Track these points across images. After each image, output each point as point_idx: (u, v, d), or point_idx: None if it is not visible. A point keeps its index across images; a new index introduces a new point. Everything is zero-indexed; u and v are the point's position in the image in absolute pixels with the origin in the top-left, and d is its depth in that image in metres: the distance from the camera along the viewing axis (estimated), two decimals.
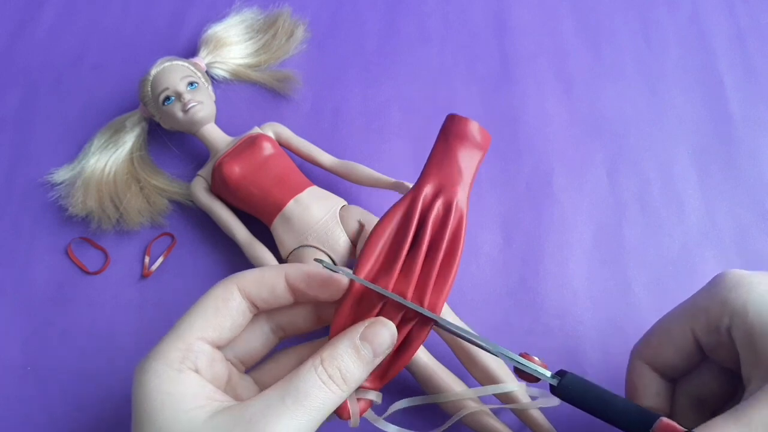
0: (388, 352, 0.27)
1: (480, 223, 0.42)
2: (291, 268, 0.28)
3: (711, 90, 0.47)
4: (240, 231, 0.39)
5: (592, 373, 0.38)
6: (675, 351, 0.30)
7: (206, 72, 0.45)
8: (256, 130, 0.42)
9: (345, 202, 0.39)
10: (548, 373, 0.28)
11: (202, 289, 0.40)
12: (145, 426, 0.24)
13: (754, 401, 0.25)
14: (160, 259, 0.41)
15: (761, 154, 0.44)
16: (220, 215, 0.40)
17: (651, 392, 0.31)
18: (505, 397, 0.34)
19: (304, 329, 0.30)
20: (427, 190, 0.30)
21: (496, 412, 0.35)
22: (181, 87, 0.41)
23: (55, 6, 0.51)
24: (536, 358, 0.29)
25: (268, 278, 0.28)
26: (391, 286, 0.28)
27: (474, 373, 0.35)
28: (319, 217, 0.38)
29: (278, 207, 0.38)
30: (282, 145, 0.42)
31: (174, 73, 0.41)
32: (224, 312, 0.27)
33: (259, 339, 0.29)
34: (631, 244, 0.41)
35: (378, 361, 0.26)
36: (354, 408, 0.27)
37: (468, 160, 0.30)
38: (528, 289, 0.40)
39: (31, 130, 0.46)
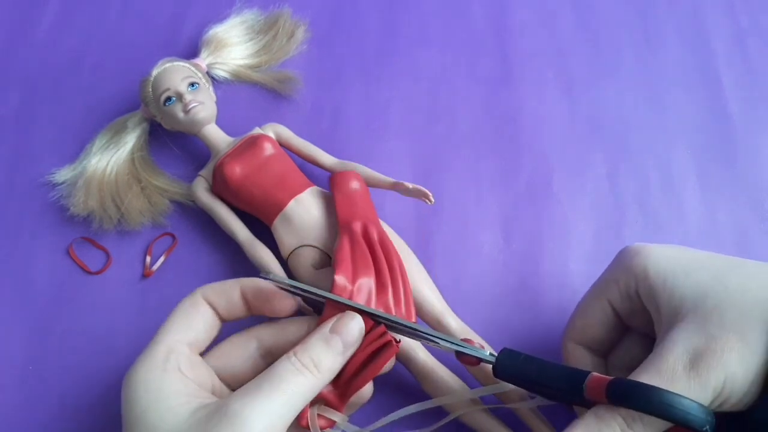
0: (357, 343, 0.29)
1: (480, 223, 0.42)
2: (246, 281, 0.31)
3: (711, 90, 0.47)
4: (241, 231, 0.39)
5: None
6: (598, 326, 0.32)
7: (207, 73, 0.45)
8: (257, 130, 0.42)
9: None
10: (486, 352, 0.30)
11: None
12: (134, 428, 0.26)
13: (659, 350, 0.27)
14: (162, 259, 0.41)
15: (761, 154, 0.45)
16: (221, 215, 0.40)
17: (583, 360, 0.33)
18: (506, 397, 0.34)
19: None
20: (357, 225, 0.36)
21: (494, 411, 0.35)
22: (182, 87, 0.41)
23: (55, 6, 0.51)
24: (476, 342, 0.32)
25: (227, 289, 0.31)
26: (372, 300, 0.33)
27: (474, 373, 0.35)
28: (320, 217, 0.38)
29: (279, 207, 0.38)
30: (282, 145, 0.42)
31: (175, 74, 0.41)
32: (195, 316, 0.30)
33: (246, 359, 0.31)
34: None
35: (349, 352, 0.29)
36: (313, 418, 0.30)
37: (362, 197, 0.38)
38: (528, 289, 0.40)
39: (32, 130, 0.46)
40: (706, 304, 0.27)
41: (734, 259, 0.30)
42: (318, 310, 0.35)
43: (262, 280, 0.31)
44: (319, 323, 0.30)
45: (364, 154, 0.44)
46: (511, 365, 0.30)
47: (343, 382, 0.30)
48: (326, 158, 0.42)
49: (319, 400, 0.30)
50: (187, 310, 0.30)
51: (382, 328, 0.29)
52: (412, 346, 0.35)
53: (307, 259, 0.37)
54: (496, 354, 0.30)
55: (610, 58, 0.49)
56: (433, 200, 0.38)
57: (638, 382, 0.26)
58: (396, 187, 0.39)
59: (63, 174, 0.43)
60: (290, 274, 0.38)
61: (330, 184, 0.39)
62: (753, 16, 0.50)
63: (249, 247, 0.39)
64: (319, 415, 0.30)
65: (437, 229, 0.42)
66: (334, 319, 0.29)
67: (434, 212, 0.42)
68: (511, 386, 0.33)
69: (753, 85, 0.47)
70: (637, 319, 0.32)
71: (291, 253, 0.38)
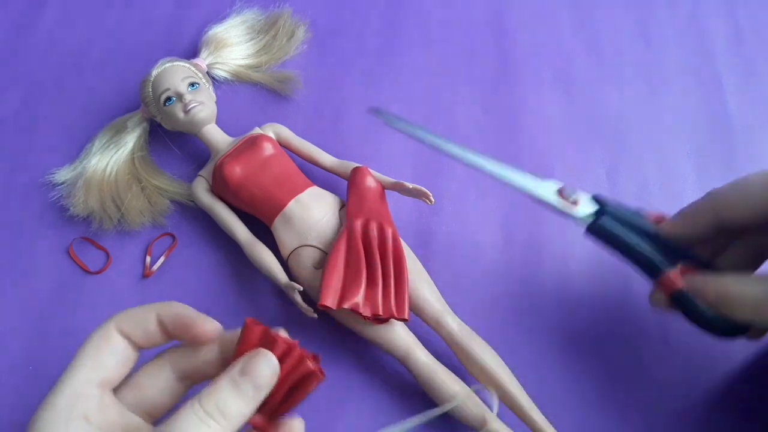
0: (269, 385, 0.26)
1: (480, 223, 0.42)
2: (163, 307, 0.28)
3: (710, 90, 0.47)
4: (241, 231, 0.39)
5: (592, 373, 0.38)
6: (746, 207, 0.31)
7: (207, 73, 0.45)
8: (257, 130, 0.42)
9: (345, 203, 0.39)
10: (587, 211, 0.33)
11: (203, 289, 0.40)
12: None
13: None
14: (162, 259, 0.41)
15: (760, 155, 0.45)
16: (221, 215, 0.40)
17: (698, 230, 0.32)
18: (506, 398, 0.34)
19: (211, 375, 0.28)
20: (358, 223, 0.37)
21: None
22: (182, 88, 0.41)
23: (56, 6, 0.51)
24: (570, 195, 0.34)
25: (142, 317, 0.28)
26: (360, 294, 0.34)
27: (474, 373, 0.35)
28: (320, 217, 0.38)
29: (279, 207, 0.38)
30: (282, 145, 0.42)
31: (175, 74, 0.41)
32: (106, 351, 0.27)
33: (163, 388, 0.28)
34: None
35: (261, 395, 0.25)
36: None
37: (375, 194, 0.39)
38: (528, 289, 0.40)
39: (33, 131, 0.46)
40: None
41: None
42: (315, 309, 0.36)
43: (179, 304, 0.28)
44: (235, 355, 0.26)
45: (364, 154, 0.44)
46: (609, 225, 0.33)
47: (270, 408, 0.27)
48: (326, 158, 0.42)
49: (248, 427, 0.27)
50: (97, 345, 0.27)
51: (298, 353, 0.26)
52: (412, 347, 0.35)
53: (307, 259, 0.37)
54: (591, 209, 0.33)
55: (609, 58, 0.49)
56: (433, 200, 0.38)
57: (693, 306, 0.30)
58: (396, 187, 0.39)
59: (63, 174, 0.43)
60: (290, 274, 0.38)
61: (349, 177, 0.40)
62: (753, 16, 0.50)
63: (249, 248, 0.39)
64: None
65: (437, 229, 0.42)
66: (244, 358, 0.26)
67: (434, 212, 0.42)
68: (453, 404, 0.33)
69: (753, 85, 0.47)
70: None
71: (291, 253, 0.38)
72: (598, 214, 0.33)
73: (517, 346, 0.38)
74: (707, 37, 0.49)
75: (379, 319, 0.35)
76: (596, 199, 0.34)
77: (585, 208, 0.34)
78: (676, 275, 0.32)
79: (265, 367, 0.25)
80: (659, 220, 0.33)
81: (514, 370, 0.35)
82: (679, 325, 0.39)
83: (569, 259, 0.41)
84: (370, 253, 0.36)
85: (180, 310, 0.27)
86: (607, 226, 0.33)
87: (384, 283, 0.35)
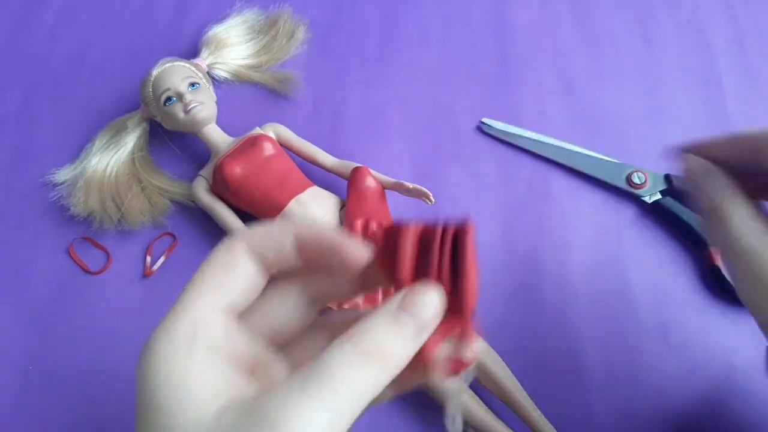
0: (433, 325, 0.22)
1: (480, 223, 0.42)
2: (302, 228, 0.24)
3: (710, 90, 0.47)
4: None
5: (592, 373, 0.38)
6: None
7: (207, 73, 0.45)
8: (257, 130, 0.42)
9: (345, 202, 0.39)
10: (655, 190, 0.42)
11: None
12: (148, 418, 0.20)
13: None
14: (162, 259, 0.41)
15: None
16: (221, 215, 0.40)
17: (739, 158, 0.29)
18: (505, 397, 0.34)
19: (347, 297, 0.25)
20: (358, 223, 0.37)
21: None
22: (183, 88, 0.41)
23: (56, 6, 0.51)
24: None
25: (276, 236, 0.23)
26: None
27: (480, 379, 0.35)
28: (320, 217, 0.38)
29: (279, 207, 0.38)
30: (283, 145, 0.42)
31: (175, 74, 0.41)
32: (232, 273, 0.23)
33: (291, 311, 0.24)
34: (631, 245, 0.41)
35: (424, 335, 0.21)
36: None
37: (375, 194, 0.40)
38: (528, 289, 0.40)
39: (33, 131, 0.46)
40: None
41: None
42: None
43: (321, 225, 0.24)
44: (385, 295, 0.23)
45: (364, 154, 0.44)
46: (670, 204, 0.41)
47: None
48: (326, 158, 0.42)
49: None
50: (222, 264, 0.23)
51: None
52: None
53: None
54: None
55: (609, 58, 0.49)
56: (433, 200, 0.38)
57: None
58: (396, 187, 0.39)
59: (63, 174, 0.43)
60: None
61: (349, 177, 0.40)
62: (753, 16, 0.50)
63: None
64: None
65: None
66: (404, 293, 0.22)
67: (434, 212, 0.42)
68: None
69: (753, 85, 0.47)
70: None
71: None
72: (663, 193, 0.41)
73: (516, 346, 0.38)
74: (707, 37, 0.49)
75: None
76: (667, 177, 0.42)
77: (654, 187, 0.42)
78: (715, 251, 0.37)
79: (430, 304, 0.22)
80: None
81: (512, 369, 0.35)
82: (678, 325, 0.39)
83: (568, 259, 0.41)
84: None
85: (323, 231, 0.23)
86: (667, 206, 0.41)
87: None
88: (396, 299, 0.21)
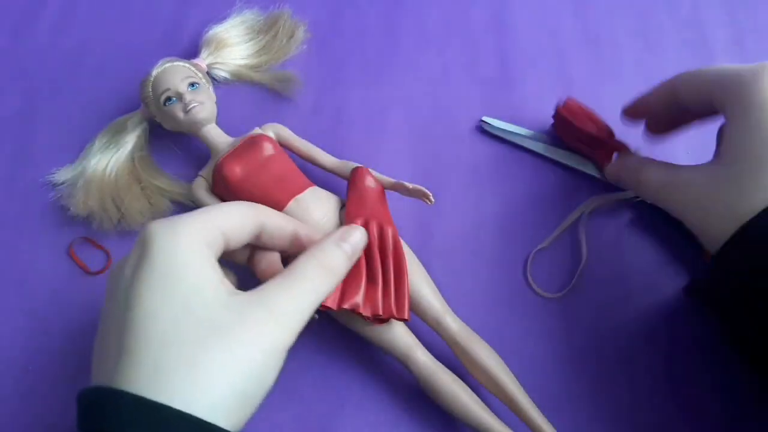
0: (360, 251, 0.32)
1: (480, 224, 0.42)
2: (303, 229, 0.32)
3: None
4: None
5: (594, 372, 0.38)
6: (703, 93, 0.35)
7: (207, 73, 0.45)
8: (257, 130, 0.42)
9: (345, 203, 0.39)
10: None
11: None
12: (171, 284, 0.25)
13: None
14: None
15: None
16: None
17: (655, 105, 0.38)
18: (506, 398, 0.34)
19: (277, 249, 0.33)
20: (358, 223, 0.36)
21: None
22: (183, 88, 0.41)
23: (56, 6, 0.51)
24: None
25: (283, 221, 0.32)
26: (360, 294, 0.34)
27: (474, 374, 0.35)
28: (320, 217, 0.38)
29: (279, 207, 0.38)
30: (282, 145, 0.42)
31: (175, 74, 0.41)
32: (246, 223, 0.30)
33: (246, 233, 0.30)
34: (631, 245, 0.41)
35: (354, 258, 0.32)
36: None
37: (375, 194, 0.39)
38: (528, 289, 0.40)
39: (33, 131, 0.46)
40: None
41: None
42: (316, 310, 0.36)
43: (313, 232, 0.33)
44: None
45: (364, 154, 0.44)
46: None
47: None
48: (326, 158, 0.42)
49: None
50: (238, 209, 0.30)
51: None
52: (412, 347, 0.35)
53: None
54: None
55: (609, 58, 0.49)
56: (433, 200, 0.38)
57: None
58: (396, 187, 0.39)
59: (63, 174, 0.43)
60: None
61: (349, 177, 0.40)
62: (753, 16, 0.50)
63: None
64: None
65: (437, 230, 0.42)
66: (341, 230, 0.32)
67: (434, 212, 0.42)
68: None
69: None
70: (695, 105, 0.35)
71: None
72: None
73: (517, 347, 0.38)
74: (707, 37, 0.49)
75: (380, 319, 0.35)
76: None
77: None
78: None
79: (359, 235, 0.32)
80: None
81: (513, 369, 0.35)
82: (675, 326, 0.39)
83: (569, 259, 0.41)
84: (369, 254, 0.35)
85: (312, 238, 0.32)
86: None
87: (384, 283, 0.35)
88: (338, 233, 0.31)
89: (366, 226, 0.36)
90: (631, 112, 0.40)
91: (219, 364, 0.24)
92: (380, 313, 0.34)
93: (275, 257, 0.33)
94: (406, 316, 0.35)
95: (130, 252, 0.28)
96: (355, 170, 0.40)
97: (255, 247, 0.33)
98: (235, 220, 0.29)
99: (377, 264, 0.35)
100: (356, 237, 0.32)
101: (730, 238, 0.29)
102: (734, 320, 0.33)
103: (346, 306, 0.34)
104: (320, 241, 0.31)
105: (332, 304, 0.34)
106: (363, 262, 0.35)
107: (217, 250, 0.28)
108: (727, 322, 0.34)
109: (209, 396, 0.24)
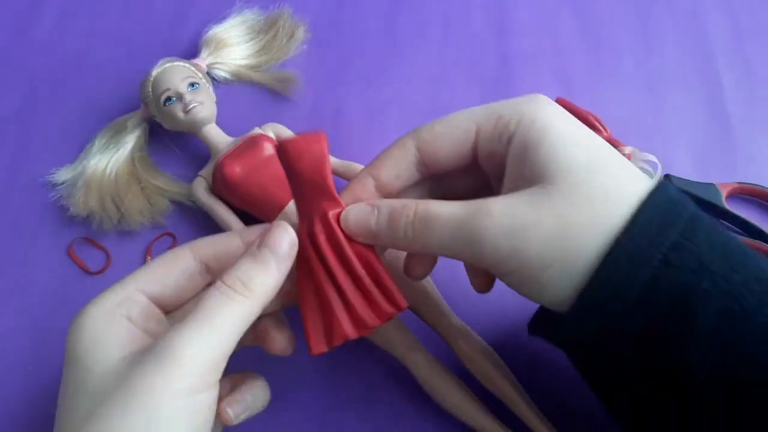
0: (289, 252, 0.27)
1: None
2: (248, 232, 0.29)
3: (710, 90, 0.47)
4: None
5: None
6: (449, 144, 0.28)
7: (207, 73, 0.45)
8: (257, 130, 0.42)
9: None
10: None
11: None
12: (72, 367, 0.25)
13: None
14: None
15: (760, 155, 0.45)
16: (221, 215, 0.40)
17: (393, 170, 0.29)
18: (508, 399, 0.34)
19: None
20: (303, 234, 0.28)
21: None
22: (183, 87, 0.41)
23: (56, 6, 0.51)
24: None
25: (223, 240, 0.29)
26: (344, 320, 0.28)
27: (473, 371, 0.35)
28: None
29: (279, 206, 0.38)
30: None
31: (175, 74, 0.41)
32: (171, 269, 0.27)
33: (184, 281, 0.28)
34: None
35: (283, 266, 0.26)
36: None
37: (312, 170, 0.28)
38: None
39: (33, 131, 0.46)
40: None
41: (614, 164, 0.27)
42: None
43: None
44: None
45: (364, 154, 0.44)
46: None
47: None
48: None
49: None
50: (164, 261, 0.28)
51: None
52: (412, 347, 0.35)
53: None
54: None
55: (609, 58, 0.49)
56: None
57: None
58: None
59: (63, 174, 0.43)
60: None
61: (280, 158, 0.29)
62: (753, 16, 0.50)
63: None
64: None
65: None
66: (262, 233, 0.27)
67: None
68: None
69: (753, 85, 0.47)
70: (490, 162, 0.28)
71: None
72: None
73: (516, 346, 0.38)
74: (707, 37, 0.49)
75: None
76: (667, 177, 0.41)
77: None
78: None
79: (283, 236, 0.26)
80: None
81: (514, 369, 0.35)
82: None
83: None
84: (327, 265, 0.28)
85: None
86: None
87: (359, 289, 0.29)
88: (257, 240, 0.26)
89: (311, 230, 0.28)
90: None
91: (105, 430, 0.23)
92: (379, 323, 0.29)
93: (277, 327, 0.29)
94: (403, 307, 0.29)
95: None
96: (279, 148, 0.29)
97: None
98: (155, 275, 0.27)
99: (339, 274, 0.28)
100: (278, 238, 0.26)
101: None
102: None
103: (337, 343, 0.29)
104: (236, 260, 0.26)
105: (324, 347, 0.29)
106: (327, 283, 0.28)
107: (141, 311, 0.27)
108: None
109: None
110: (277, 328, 0.29)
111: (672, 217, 0.24)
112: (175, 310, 0.29)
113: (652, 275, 0.24)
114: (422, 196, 0.31)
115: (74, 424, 0.24)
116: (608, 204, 0.25)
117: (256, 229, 0.29)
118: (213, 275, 0.28)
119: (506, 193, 0.26)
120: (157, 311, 0.27)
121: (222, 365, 0.25)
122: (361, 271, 0.28)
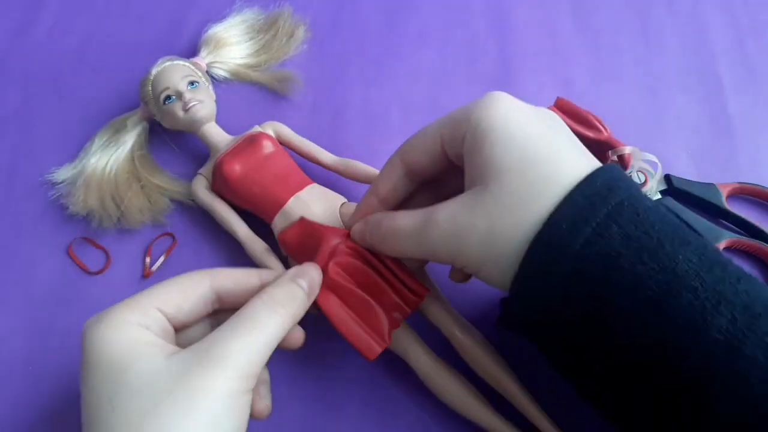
0: (317, 290, 0.31)
1: None
2: (269, 274, 0.31)
3: (710, 90, 0.47)
4: (241, 229, 0.39)
5: None
6: (423, 153, 0.31)
7: (207, 72, 0.45)
8: (257, 128, 0.42)
9: (345, 200, 0.39)
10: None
11: None
12: (103, 371, 0.25)
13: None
14: (161, 259, 0.41)
15: (760, 155, 0.45)
16: (221, 213, 0.40)
17: (389, 184, 0.33)
18: (510, 397, 0.34)
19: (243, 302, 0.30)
20: (328, 262, 0.33)
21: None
22: (182, 86, 0.41)
23: (55, 6, 0.51)
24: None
25: (243, 276, 0.30)
26: (383, 317, 0.33)
27: (474, 366, 0.35)
28: (320, 214, 0.38)
29: (279, 204, 0.38)
30: (282, 143, 0.42)
31: (175, 73, 0.41)
32: (189, 295, 0.29)
33: (199, 305, 0.29)
34: None
35: (311, 297, 0.30)
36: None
37: (311, 236, 0.35)
38: None
39: (32, 130, 0.46)
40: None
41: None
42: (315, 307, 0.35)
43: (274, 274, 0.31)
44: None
45: (364, 153, 0.44)
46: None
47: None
48: (326, 156, 0.42)
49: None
50: (183, 286, 0.29)
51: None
52: (413, 344, 0.35)
53: None
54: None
55: (609, 58, 0.49)
56: None
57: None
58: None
59: (63, 173, 0.43)
60: None
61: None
62: (753, 16, 0.50)
63: (249, 245, 0.39)
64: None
65: None
66: (295, 268, 0.31)
67: None
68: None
69: (753, 85, 0.47)
70: (461, 164, 0.30)
71: None
72: (663, 193, 0.41)
73: (516, 346, 0.38)
74: (707, 37, 0.49)
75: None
76: (667, 177, 0.42)
77: (654, 187, 0.41)
78: None
79: (315, 273, 0.31)
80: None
81: (516, 368, 0.35)
82: None
83: None
84: (361, 278, 0.33)
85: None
86: (667, 206, 0.35)
87: (391, 286, 0.33)
88: (291, 271, 0.30)
89: (334, 254, 0.33)
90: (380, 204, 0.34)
91: (167, 426, 0.24)
92: (409, 312, 0.34)
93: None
94: (428, 290, 0.34)
95: None
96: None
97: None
98: (172, 295, 0.28)
99: (374, 279, 0.33)
100: (313, 276, 0.31)
101: (512, 284, 0.27)
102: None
103: (389, 341, 0.33)
104: (275, 280, 0.30)
105: (377, 349, 0.32)
106: (358, 294, 0.33)
107: (159, 326, 0.27)
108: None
109: None
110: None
111: (587, 213, 0.26)
112: (182, 330, 0.29)
113: (572, 267, 0.26)
114: (429, 198, 0.34)
115: (129, 422, 0.24)
116: (532, 203, 0.27)
117: (274, 273, 0.31)
118: (221, 305, 0.30)
119: (466, 190, 0.29)
120: (171, 329, 0.28)
121: (261, 369, 0.27)
122: (387, 271, 0.33)
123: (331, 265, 0.32)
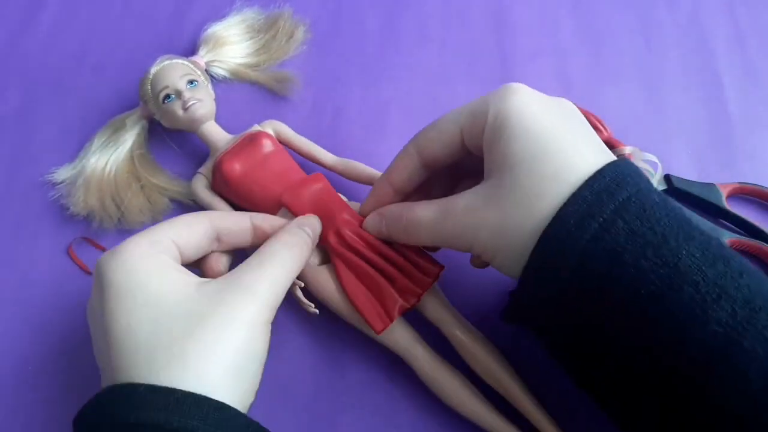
0: (317, 236, 0.35)
1: None
2: (261, 219, 0.34)
3: (710, 90, 0.47)
4: None
5: None
6: (441, 146, 0.32)
7: (206, 71, 0.45)
8: (256, 127, 0.42)
9: (345, 199, 0.39)
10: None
11: None
12: (130, 296, 0.27)
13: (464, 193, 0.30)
14: None
15: (761, 155, 0.45)
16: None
17: (404, 174, 0.34)
18: (510, 397, 0.34)
19: (240, 244, 0.34)
20: (331, 239, 0.36)
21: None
22: (181, 85, 0.41)
23: (55, 5, 0.51)
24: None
25: (236, 218, 0.33)
26: (395, 295, 0.35)
27: (474, 367, 0.35)
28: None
29: (278, 203, 0.38)
30: (282, 143, 0.42)
31: (174, 72, 0.41)
32: (195, 230, 0.31)
33: (203, 239, 0.32)
34: None
35: (313, 242, 0.34)
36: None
37: (328, 198, 0.37)
38: None
39: (32, 130, 0.46)
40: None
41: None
42: (316, 305, 0.36)
43: (275, 219, 0.35)
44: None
45: (364, 153, 0.44)
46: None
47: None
48: (326, 156, 0.42)
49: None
50: (188, 222, 0.31)
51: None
52: (413, 343, 0.35)
53: None
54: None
55: (609, 58, 0.49)
56: None
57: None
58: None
59: (62, 173, 0.43)
60: None
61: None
62: (753, 16, 0.50)
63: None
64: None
65: None
66: (298, 218, 0.35)
67: None
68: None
69: (753, 85, 0.47)
70: (480, 156, 0.31)
71: None
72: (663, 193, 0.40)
73: (516, 345, 0.38)
74: (707, 37, 0.49)
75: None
76: (667, 177, 0.42)
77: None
78: None
79: (315, 221, 0.35)
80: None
81: (517, 367, 0.35)
82: None
83: None
84: (363, 255, 0.35)
85: (279, 223, 0.34)
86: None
87: (399, 267, 0.35)
88: (297, 220, 0.34)
89: (339, 234, 0.36)
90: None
91: (207, 347, 0.26)
92: (421, 293, 0.35)
93: (220, 255, 0.34)
94: (442, 268, 0.35)
95: (93, 291, 0.29)
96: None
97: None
98: (181, 229, 0.30)
99: (377, 258, 0.35)
100: (313, 221, 0.35)
101: (524, 269, 0.28)
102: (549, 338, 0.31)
103: (397, 315, 0.34)
104: (284, 226, 0.33)
105: (385, 323, 0.34)
106: (369, 269, 0.35)
107: (174, 257, 0.30)
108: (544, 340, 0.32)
109: (207, 379, 0.25)
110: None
111: (594, 208, 0.26)
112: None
113: (579, 262, 0.26)
114: (442, 183, 0.36)
115: (162, 345, 0.25)
116: (543, 198, 0.27)
117: (264, 216, 0.34)
118: (218, 246, 0.33)
119: (485, 179, 0.30)
120: (181, 261, 0.30)
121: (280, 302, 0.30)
122: (394, 253, 0.35)
123: (347, 233, 0.35)
